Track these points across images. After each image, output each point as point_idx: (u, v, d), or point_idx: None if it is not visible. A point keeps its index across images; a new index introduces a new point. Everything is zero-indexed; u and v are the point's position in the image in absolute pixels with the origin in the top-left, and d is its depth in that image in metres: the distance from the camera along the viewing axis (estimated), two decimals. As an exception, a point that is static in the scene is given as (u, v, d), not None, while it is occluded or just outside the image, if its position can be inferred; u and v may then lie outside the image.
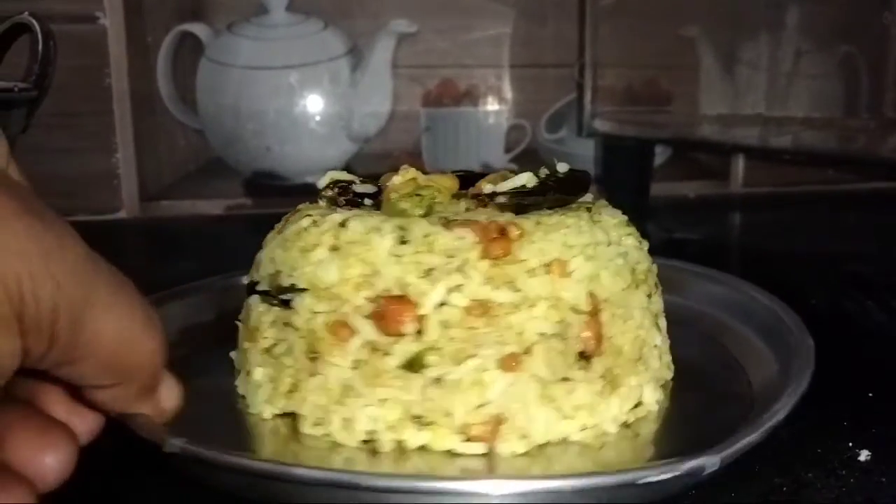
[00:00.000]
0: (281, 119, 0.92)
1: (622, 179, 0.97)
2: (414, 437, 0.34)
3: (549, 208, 0.39)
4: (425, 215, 0.37)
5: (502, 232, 0.35)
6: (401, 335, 0.34)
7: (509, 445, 0.34)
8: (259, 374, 0.37)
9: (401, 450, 0.34)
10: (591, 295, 0.36)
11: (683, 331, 0.44)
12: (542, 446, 0.34)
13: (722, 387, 0.41)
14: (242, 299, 0.41)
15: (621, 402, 0.36)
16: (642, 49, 0.93)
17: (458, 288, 0.34)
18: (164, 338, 0.27)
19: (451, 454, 0.33)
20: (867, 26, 0.68)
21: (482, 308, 0.34)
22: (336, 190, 0.40)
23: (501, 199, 0.38)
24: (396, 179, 0.39)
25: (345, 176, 0.41)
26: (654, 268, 0.41)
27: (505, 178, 0.40)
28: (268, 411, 0.37)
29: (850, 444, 0.36)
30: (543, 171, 0.41)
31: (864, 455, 0.35)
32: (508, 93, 0.99)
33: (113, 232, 0.88)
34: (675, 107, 0.94)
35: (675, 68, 0.92)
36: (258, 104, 0.92)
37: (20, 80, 0.57)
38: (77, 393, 0.27)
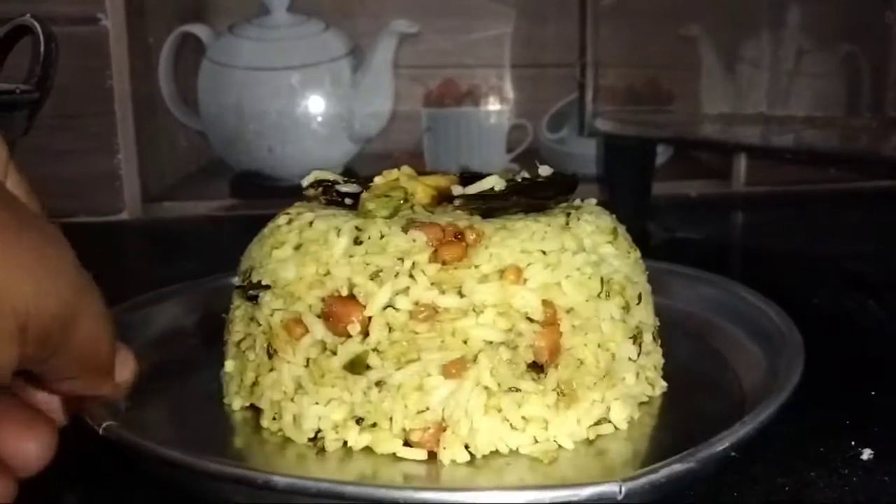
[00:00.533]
0: (282, 120, 0.93)
1: (624, 179, 0.97)
2: (357, 439, 0.34)
3: (525, 212, 0.38)
4: (390, 216, 0.37)
5: (459, 235, 0.35)
6: (348, 335, 0.34)
7: (451, 454, 0.33)
8: (230, 366, 0.39)
9: (346, 450, 0.34)
10: (548, 304, 0.34)
11: (672, 333, 0.43)
12: (489, 457, 0.33)
13: (709, 402, 0.39)
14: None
15: (580, 417, 0.35)
16: (643, 48, 0.93)
17: (404, 291, 0.34)
18: (112, 319, 0.28)
19: (395, 458, 0.33)
20: (869, 25, 0.68)
21: (427, 312, 0.33)
22: (319, 189, 0.41)
23: (458, 202, 0.37)
24: (378, 180, 0.40)
25: (329, 175, 0.41)
26: (640, 280, 0.39)
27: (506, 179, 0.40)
28: (237, 403, 0.38)
29: (853, 443, 0.36)
30: (520, 175, 0.40)
31: (866, 454, 0.35)
32: (510, 93, 0.99)
33: (115, 233, 0.88)
34: (676, 106, 0.94)
35: (677, 68, 0.92)
36: (259, 105, 0.92)
37: (22, 82, 0.57)
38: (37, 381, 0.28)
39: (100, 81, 0.87)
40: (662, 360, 0.41)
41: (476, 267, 0.34)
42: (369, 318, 0.34)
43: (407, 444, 0.34)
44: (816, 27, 0.75)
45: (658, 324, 0.41)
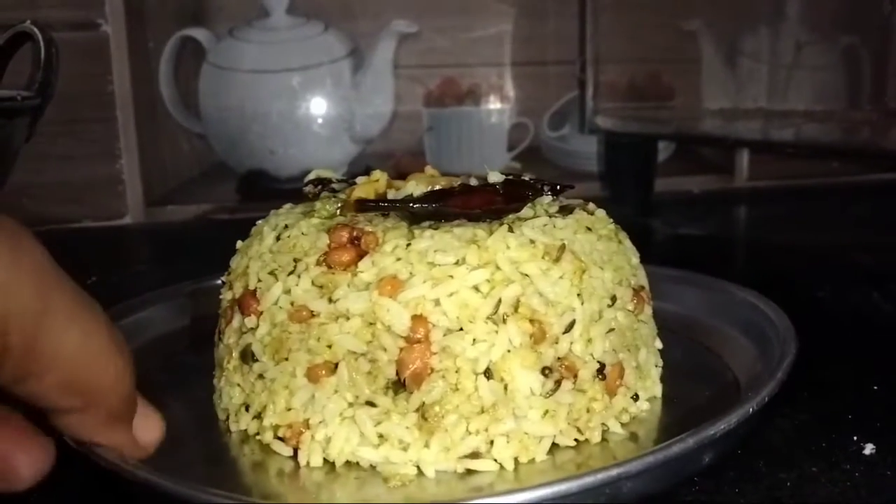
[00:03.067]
0: (284, 122, 0.93)
1: (625, 176, 0.97)
2: (249, 426, 0.35)
3: (474, 220, 0.35)
4: (331, 216, 0.37)
5: (356, 240, 0.34)
6: (248, 327, 0.36)
7: (307, 456, 0.33)
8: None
9: (245, 435, 0.36)
10: (421, 320, 0.32)
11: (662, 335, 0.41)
12: (348, 466, 0.33)
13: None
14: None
15: (448, 446, 0.32)
16: (644, 44, 0.93)
17: (287, 291, 0.35)
18: (131, 362, 0.26)
19: (272, 450, 0.34)
20: (869, 17, 0.68)
21: (302, 314, 0.34)
22: (318, 187, 0.41)
23: (364, 205, 0.37)
24: (360, 180, 0.40)
25: (329, 174, 0.42)
26: (574, 309, 0.34)
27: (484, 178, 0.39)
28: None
29: (855, 437, 0.35)
30: (472, 179, 0.39)
31: (868, 449, 0.35)
32: (510, 91, 0.99)
33: (118, 237, 0.89)
34: (677, 101, 0.93)
35: (677, 62, 0.92)
36: (261, 107, 0.92)
37: (23, 89, 0.57)
38: (41, 418, 0.26)
39: (101, 87, 0.87)
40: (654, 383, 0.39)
41: (357, 274, 0.33)
42: (261, 312, 0.35)
43: (280, 438, 0.34)
44: (816, 20, 0.75)
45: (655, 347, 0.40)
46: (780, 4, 0.78)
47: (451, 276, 0.33)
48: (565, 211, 0.38)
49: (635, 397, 0.37)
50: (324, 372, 0.33)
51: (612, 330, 0.36)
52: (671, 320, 0.44)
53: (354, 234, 0.34)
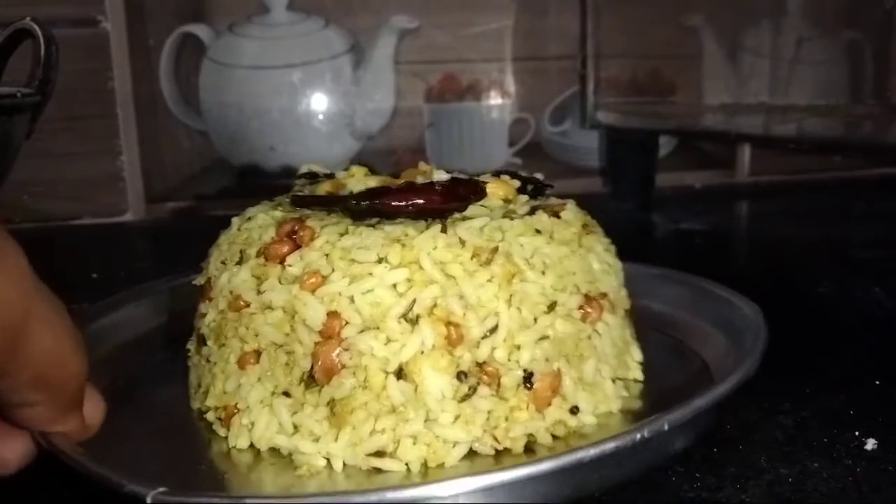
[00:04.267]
0: (284, 118, 0.93)
1: (627, 171, 0.97)
2: (202, 406, 0.37)
3: (416, 218, 0.35)
4: (293, 210, 0.38)
5: (294, 234, 0.35)
6: (202, 313, 0.38)
7: (235, 438, 0.34)
8: None
9: (200, 414, 0.37)
10: (335, 316, 0.33)
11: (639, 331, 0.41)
12: (272, 452, 0.33)
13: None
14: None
15: (356, 441, 0.32)
16: (645, 39, 0.92)
17: (230, 280, 0.36)
18: (87, 359, 0.28)
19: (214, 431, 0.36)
20: (871, 12, 0.68)
21: (238, 303, 0.35)
22: (307, 179, 0.42)
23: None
24: (340, 174, 0.40)
25: (317, 168, 0.42)
26: (499, 313, 0.33)
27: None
28: None
29: (857, 432, 0.35)
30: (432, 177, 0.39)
31: (870, 444, 0.34)
32: (511, 86, 0.99)
33: (119, 234, 0.89)
34: (678, 96, 0.93)
35: (679, 57, 0.92)
36: (261, 104, 0.92)
37: (23, 86, 0.57)
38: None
39: (101, 83, 0.87)
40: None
41: (286, 268, 0.34)
42: (211, 299, 0.37)
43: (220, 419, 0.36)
44: (818, 14, 0.75)
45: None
46: (781, -1, 0.78)
47: (371, 274, 0.33)
48: (533, 211, 0.37)
49: (574, 410, 0.35)
50: (251, 360, 0.35)
51: (545, 338, 0.34)
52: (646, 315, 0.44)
53: (294, 228, 0.35)
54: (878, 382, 0.41)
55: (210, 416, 0.36)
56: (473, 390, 0.33)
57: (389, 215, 0.35)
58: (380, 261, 0.33)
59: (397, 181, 0.39)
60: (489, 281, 0.33)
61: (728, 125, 0.83)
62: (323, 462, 0.32)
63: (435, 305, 0.33)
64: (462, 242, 0.34)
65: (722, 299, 0.43)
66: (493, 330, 0.33)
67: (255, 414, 0.34)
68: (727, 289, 0.43)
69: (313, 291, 0.33)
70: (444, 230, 0.34)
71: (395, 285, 0.33)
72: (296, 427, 0.33)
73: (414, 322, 0.32)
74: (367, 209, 0.35)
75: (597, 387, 0.36)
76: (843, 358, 0.45)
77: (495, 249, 0.34)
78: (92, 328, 0.42)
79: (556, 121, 1.01)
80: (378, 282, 0.33)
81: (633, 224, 0.89)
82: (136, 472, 0.28)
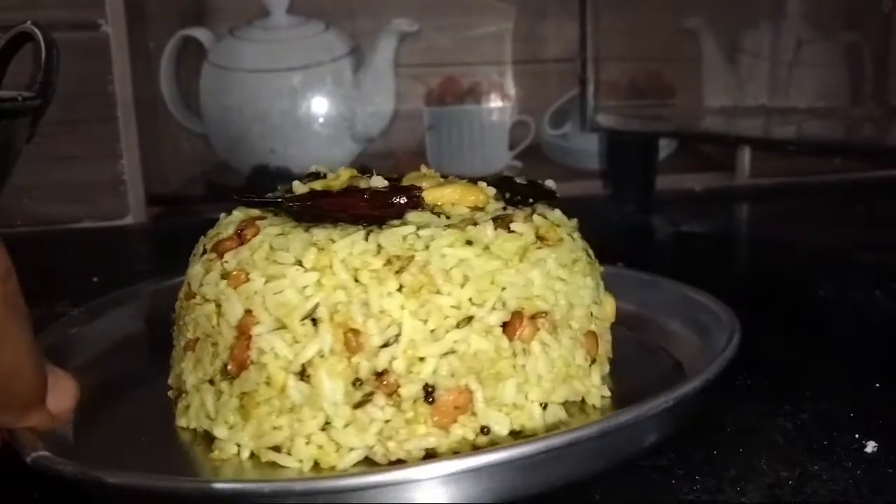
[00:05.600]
0: (285, 121, 0.93)
1: (627, 173, 0.97)
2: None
3: (353, 222, 0.35)
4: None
5: (243, 230, 0.36)
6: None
7: (179, 417, 0.37)
8: None
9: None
10: (250, 314, 0.34)
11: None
12: (205, 435, 0.35)
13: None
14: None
15: (258, 434, 0.33)
16: (644, 42, 0.93)
17: (188, 272, 0.38)
18: (42, 356, 0.30)
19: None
20: (870, 14, 0.68)
21: (189, 292, 0.37)
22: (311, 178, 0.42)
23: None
24: (330, 176, 0.41)
25: (323, 169, 0.42)
26: (402, 323, 0.33)
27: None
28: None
29: (857, 435, 0.35)
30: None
31: (870, 446, 0.34)
32: (511, 89, 0.99)
33: (120, 237, 0.89)
34: (678, 99, 0.93)
35: (678, 60, 0.92)
36: (262, 107, 0.92)
37: (24, 89, 0.57)
38: None
39: (102, 87, 0.88)
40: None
41: (223, 263, 0.36)
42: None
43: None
44: (818, 17, 0.75)
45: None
46: (780, 1, 0.78)
47: (284, 276, 0.33)
48: (493, 221, 0.36)
49: (485, 430, 0.33)
50: (192, 347, 0.36)
51: (452, 353, 0.33)
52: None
53: (244, 226, 0.37)
54: (878, 385, 0.41)
55: (171, 394, 0.38)
56: (368, 398, 0.33)
57: (334, 219, 0.35)
58: (296, 263, 0.34)
59: (360, 186, 0.38)
60: (398, 290, 0.33)
61: (728, 127, 0.83)
62: (235, 449, 0.34)
63: (336, 311, 0.33)
64: (378, 249, 0.34)
65: (699, 303, 0.43)
66: (395, 340, 0.33)
67: (191, 397, 0.36)
68: (705, 293, 0.43)
69: (236, 288, 0.34)
70: (366, 236, 0.34)
71: (303, 288, 0.33)
72: (217, 413, 0.35)
73: (315, 325, 0.33)
74: (306, 211, 0.36)
75: (519, 409, 0.34)
76: (843, 361, 0.45)
77: (410, 259, 0.33)
78: (80, 330, 0.43)
79: (556, 124, 1.01)
80: (289, 283, 0.33)
81: (633, 226, 0.89)
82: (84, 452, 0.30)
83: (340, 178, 0.40)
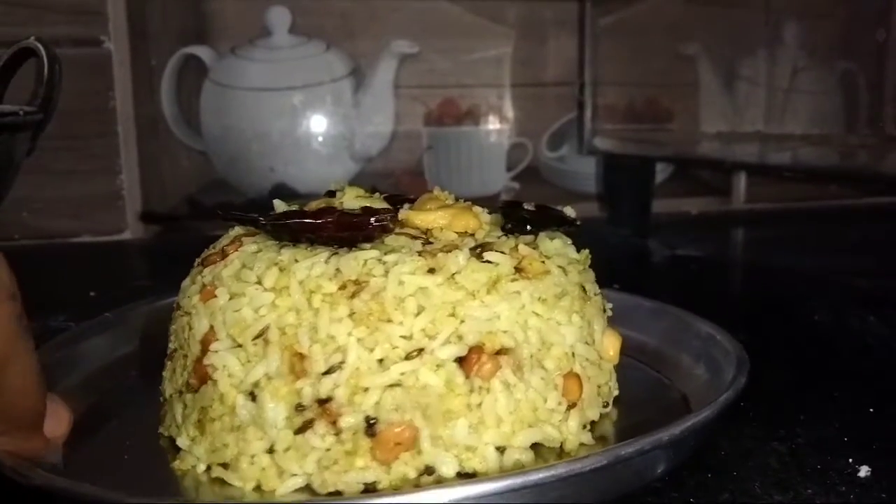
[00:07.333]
0: (284, 140, 0.93)
1: (624, 197, 0.98)
2: None
3: (324, 243, 0.35)
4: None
5: (226, 247, 0.37)
6: None
7: (160, 424, 0.37)
8: None
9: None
10: (211, 332, 0.34)
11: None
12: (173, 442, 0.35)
13: None
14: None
15: (211, 448, 0.33)
16: (642, 67, 0.94)
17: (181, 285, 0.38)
18: (44, 383, 0.30)
19: None
20: (865, 43, 0.69)
21: (177, 304, 0.38)
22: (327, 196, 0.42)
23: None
24: (339, 194, 0.40)
25: (337, 187, 0.41)
26: (347, 351, 0.32)
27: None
28: None
29: (850, 459, 0.35)
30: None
31: (864, 471, 0.34)
32: (510, 112, 1.00)
33: (117, 252, 0.89)
34: (675, 124, 0.94)
35: (675, 86, 0.93)
36: (262, 125, 0.92)
37: (26, 104, 0.57)
38: None
39: (103, 103, 0.88)
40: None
41: (202, 278, 0.36)
42: None
43: None
44: (814, 44, 0.76)
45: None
46: (777, 29, 0.79)
47: (244, 294, 0.33)
48: (473, 249, 0.35)
49: (429, 471, 0.32)
50: (171, 357, 0.37)
51: (397, 385, 0.32)
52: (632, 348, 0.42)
53: (230, 242, 0.37)
54: (871, 410, 0.41)
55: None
56: (310, 425, 0.31)
57: (310, 240, 0.35)
58: (257, 282, 0.33)
59: (376, 204, 0.38)
60: (348, 316, 0.32)
61: (724, 153, 0.83)
62: (195, 461, 0.34)
63: (285, 333, 0.32)
64: (335, 273, 0.33)
65: (706, 335, 0.42)
66: (339, 367, 0.32)
67: (168, 405, 0.37)
68: (712, 324, 0.43)
69: (205, 302, 0.34)
70: (328, 259, 0.33)
71: (259, 307, 0.33)
72: (182, 424, 0.35)
73: (265, 345, 0.32)
74: (277, 230, 0.36)
75: (471, 451, 0.32)
76: (837, 385, 0.45)
77: (364, 284, 0.32)
78: (73, 349, 0.43)
79: (553, 146, 1.02)
80: (248, 302, 0.33)
81: (629, 250, 0.89)
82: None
83: (347, 195, 0.39)
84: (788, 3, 0.77)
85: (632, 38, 0.93)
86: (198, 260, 0.38)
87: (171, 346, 0.37)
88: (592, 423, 0.37)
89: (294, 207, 0.38)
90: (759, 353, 0.39)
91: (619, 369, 0.39)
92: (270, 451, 0.32)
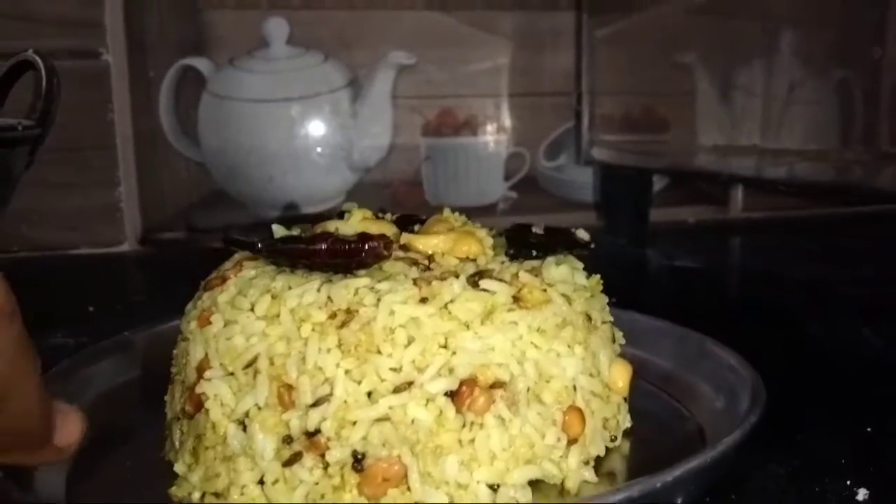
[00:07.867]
0: (282, 151, 0.93)
1: (621, 206, 0.98)
2: None
3: (321, 270, 0.35)
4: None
5: (227, 272, 0.37)
6: None
7: (163, 448, 0.37)
8: None
9: None
10: (205, 360, 0.34)
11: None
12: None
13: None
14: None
15: (205, 476, 0.33)
16: (639, 77, 0.94)
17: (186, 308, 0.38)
18: (48, 397, 0.29)
19: None
20: (861, 59, 0.69)
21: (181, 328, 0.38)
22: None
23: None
24: (347, 215, 0.40)
25: (349, 207, 0.40)
26: (334, 383, 0.31)
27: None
28: None
29: (848, 482, 0.36)
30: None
31: (862, 494, 0.35)
32: (507, 121, 1.00)
33: (116, 264, 0.89)
34: (672, 134, 0.94)
35: (672, 95, 0.93)
36: (260, 137, 0.92)
37: (24, 117, 0.57)
38: None
39: (101, 115, 0.88)
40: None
41: (201, 302, 0.36)
42: None
43: None
44: (811, 55, 0.76)
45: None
46: (773, 39, 0.79)
47: (237, 322, 0.33)
48: (474, 275, 0.34)
49: None
50: (173, 381, 0.37)
51: (385, 419, 0.31)
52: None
53: (232, 266, 0.37)
54: (869, 430, 0.41)
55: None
56: (298, 458, 0.31)
57: (308, 267, 0.34)
58: (250, 309, 0.33)
59: (379, 228, 0.37)
60: (337, 346, 0.31)
61: (720, 166, 0.84)
62: (190, 489, 0.33)
63: (273, 363, 0.32)
64: (327, 301, 0.32)
65: (722, 360, 0.41)
66: (327, 399, 0.31)
67: (169, 430, 0.37)
68: (728, 349, 0.42)
69: (202, 329, 0.35)
70: (320, 287, 0.32)
71: (251, 336, 0.32)
72: (179, 450, 0.35)
73: (253, 376, 0.32)
74: (273, 256, 0.35)
75: (463, 489, 0.31)
76: (834, 405, 0.45)
77: (354, 313, 0.31)
78: (82, 372, 0.42)
79: (551, 156, 1.02)
80: (240, 330, 0.33)
81: (626, 259, 0.89)
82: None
83: (351, 219, 0.38)
84: (785, 15, 0.77)
85: (629, 49, 0.93)
86: (202, 283, 0.38)
87: (173, 370, 0.38)
88: (600, 457, 0.35)
89: (295, 231, 0.38)
90: (755, 369, 0.39)
91: (633, 396, 0.38)
92: (261, 482, 0.32)
